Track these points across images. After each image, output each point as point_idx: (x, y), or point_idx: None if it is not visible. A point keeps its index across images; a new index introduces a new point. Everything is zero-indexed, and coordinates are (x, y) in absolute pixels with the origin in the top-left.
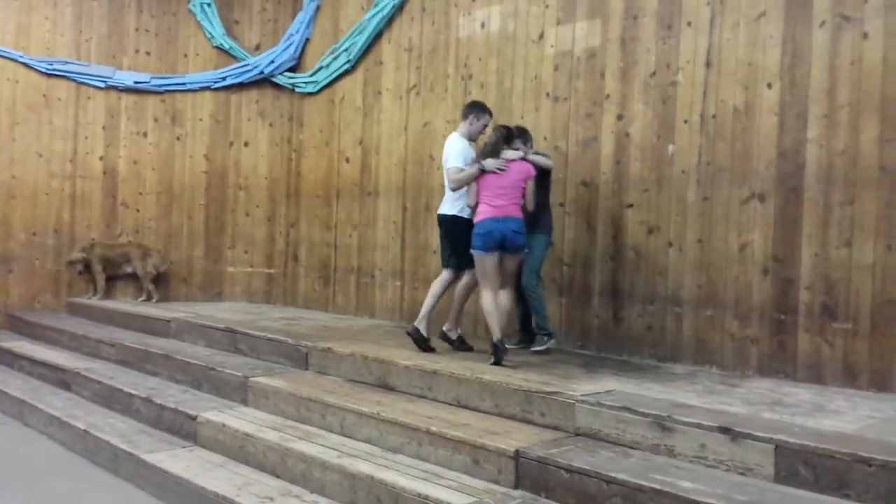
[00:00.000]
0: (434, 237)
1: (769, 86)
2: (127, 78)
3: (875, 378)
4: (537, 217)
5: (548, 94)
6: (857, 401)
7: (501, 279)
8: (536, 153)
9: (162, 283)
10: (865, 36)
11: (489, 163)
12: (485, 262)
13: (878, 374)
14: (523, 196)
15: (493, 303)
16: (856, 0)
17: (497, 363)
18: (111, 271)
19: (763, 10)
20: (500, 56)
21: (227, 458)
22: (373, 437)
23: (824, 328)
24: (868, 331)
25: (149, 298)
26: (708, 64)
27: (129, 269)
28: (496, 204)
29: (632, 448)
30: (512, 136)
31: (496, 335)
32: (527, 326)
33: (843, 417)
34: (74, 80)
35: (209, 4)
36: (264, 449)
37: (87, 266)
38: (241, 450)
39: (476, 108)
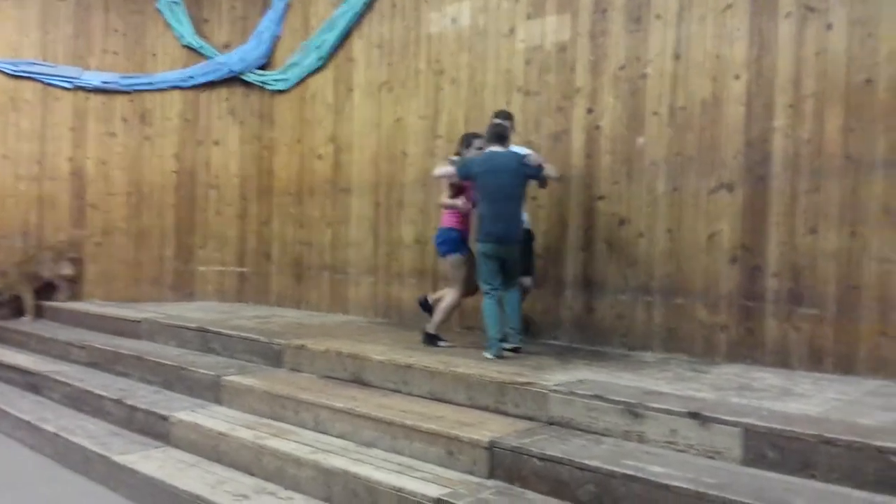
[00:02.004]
0: (407, 232)
1: (736, 77)
2: (94, 78)
3: (840, 361)
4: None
5: (519, 89)
6: (824, 384)
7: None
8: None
9: (132, 284)
10: (830, 27)
11: None
12: None
13: (844, 357)
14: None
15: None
16: None
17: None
18: (37, 284)
19: (730, 3)
20: (471, 51)
21: (201, 458)
22: (347, 433)
23: (791, 314)
24: (833, 316)
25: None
26: (676, 56)
27: (46, 274)
28: None
29: (604, 435)
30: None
31: None
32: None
33: (810, 400)
34: (41, 82)
35: (177, 3)
36: (238, 447)
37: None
38: (214, 449)
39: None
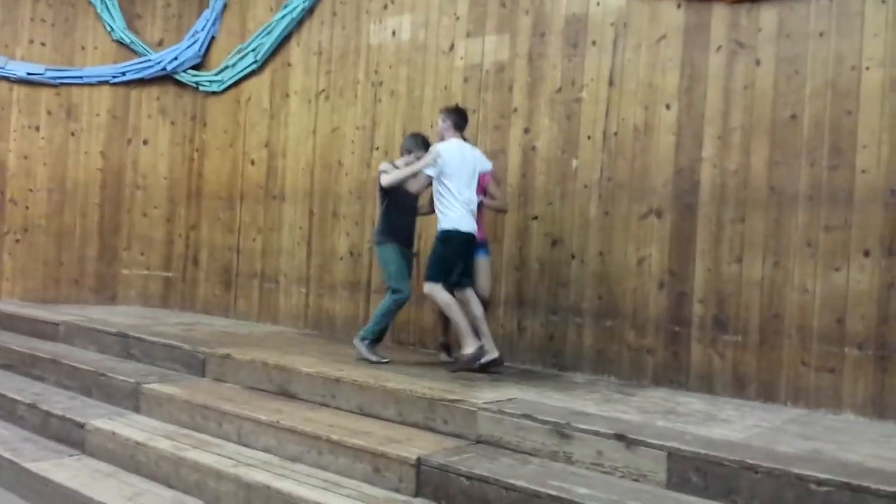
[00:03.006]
0: (341, 244)
1: (667, 106)
2: (20, 68)
3: (762, 388)
4: None
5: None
6: (746, 410)
7: None
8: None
9: (51, 285)
10: (758, 62)
11: None
12: None
13: (766, 384)
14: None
15: None
16: (750, 28)
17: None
18: None
19: (664, 34)
20: (410, 65)
21: (117, 468)
22: (271, 446)
23: (715, 340)
24: (756, 343)
25: None
26: (611, 83)
27: None
28: None
29: (532, 455)
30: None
31: None
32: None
33: (733, 426)
34: None
35: None
36: (156, 458)
37: None
38: (131, 459)
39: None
